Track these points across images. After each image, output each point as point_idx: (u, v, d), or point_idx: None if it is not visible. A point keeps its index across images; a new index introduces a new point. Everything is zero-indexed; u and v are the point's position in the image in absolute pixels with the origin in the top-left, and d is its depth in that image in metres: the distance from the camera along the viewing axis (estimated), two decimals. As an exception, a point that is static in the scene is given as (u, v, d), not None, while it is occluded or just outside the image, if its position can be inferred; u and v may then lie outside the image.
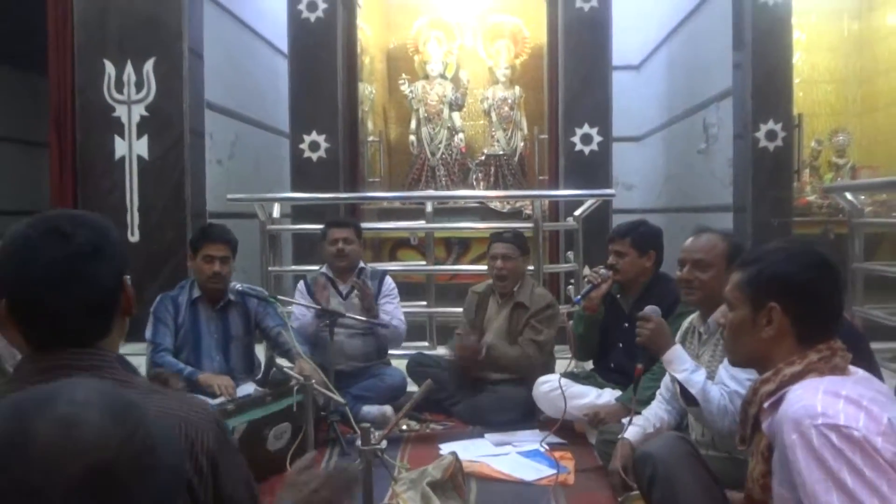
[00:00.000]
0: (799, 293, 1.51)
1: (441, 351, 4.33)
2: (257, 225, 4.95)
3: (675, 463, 1.61)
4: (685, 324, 2.71)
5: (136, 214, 5.83)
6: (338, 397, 2.85)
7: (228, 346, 3.46)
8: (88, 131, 5.82)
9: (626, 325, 3.38)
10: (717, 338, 2.53)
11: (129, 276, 1.31)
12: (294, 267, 5.22)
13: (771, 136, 5.21)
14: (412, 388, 3.83)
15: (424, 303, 4.85)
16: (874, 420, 1.28)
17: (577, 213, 4.83)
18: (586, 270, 4.74)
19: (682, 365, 2.48)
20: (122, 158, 5.82)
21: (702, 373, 2.45)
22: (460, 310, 4.16)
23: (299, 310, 3.83)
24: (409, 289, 5.02)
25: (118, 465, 0.74)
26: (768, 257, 1.58)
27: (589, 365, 3.77)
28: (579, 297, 3.43)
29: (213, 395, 3.07)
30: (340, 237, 3.84)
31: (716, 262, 2.50)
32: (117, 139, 5.81)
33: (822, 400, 1.32)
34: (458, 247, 6.80)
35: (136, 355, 5.19)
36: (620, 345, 3.43)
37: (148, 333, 3.38)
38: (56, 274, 1.18)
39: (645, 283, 3.37)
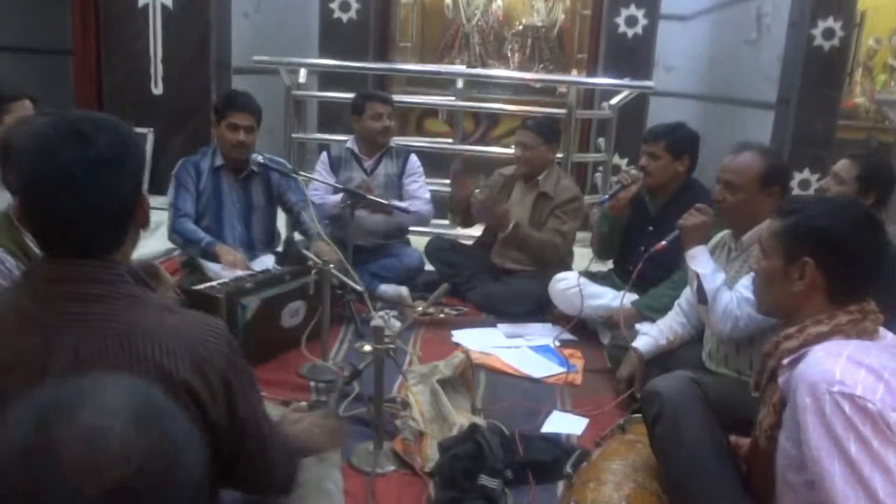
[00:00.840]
0: (836, 249, 1.44)
1: (461, 231, 4.29)
2: (282, 85, 4.82)
3: (682, 404, 1.61)
4: (717, 237, 2.67)
5: (160, 66, 5.70)
6: (354, 284, 2.86)
7: (250, 216, 3.45)
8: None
9: (651, 228, 3.32)
10: (745, 256, 2.50)
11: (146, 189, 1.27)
12: (318, 135, 5.10)
13: (828, 34, 4.90)
14: (429, 268, 3.86)
15: (448, 181, 4.78)
16: (893, 394, 1.25)
17: (612, 101, 4.65)
18: (623, 166, 4.67)
19: (705, 262, 2.54)
20: (146, 6, 5.62)
21: (721, 276, 2.49)
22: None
23: (321, 181, 3.79)
24: (435, 161, 4.95)
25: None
26: (810, 209, 1.50)
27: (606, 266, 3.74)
28: (606, 196, 3.36)
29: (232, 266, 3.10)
30: (385, 112, 3.73)
31: (747, 184, 2.42)
32: (141, -15, 5.58)
33: (843, 367, 1.28)
34: (488, 120, 6.65)
35: (158, 209, 5.26)
36: (642, 248, 3.38)
37: (170, 197, 3.36)
38: (72, 178, 1.14)
39: (675, 188, 3.28)
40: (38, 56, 7.94)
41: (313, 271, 2.84)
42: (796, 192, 5.40)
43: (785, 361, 1.43)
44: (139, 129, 5.80)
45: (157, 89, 5.76)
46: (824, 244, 1.45)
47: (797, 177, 5.42)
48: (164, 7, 5.59)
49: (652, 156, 3.25)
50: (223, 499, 1.45)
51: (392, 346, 2.15)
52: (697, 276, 2.47)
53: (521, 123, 3.83)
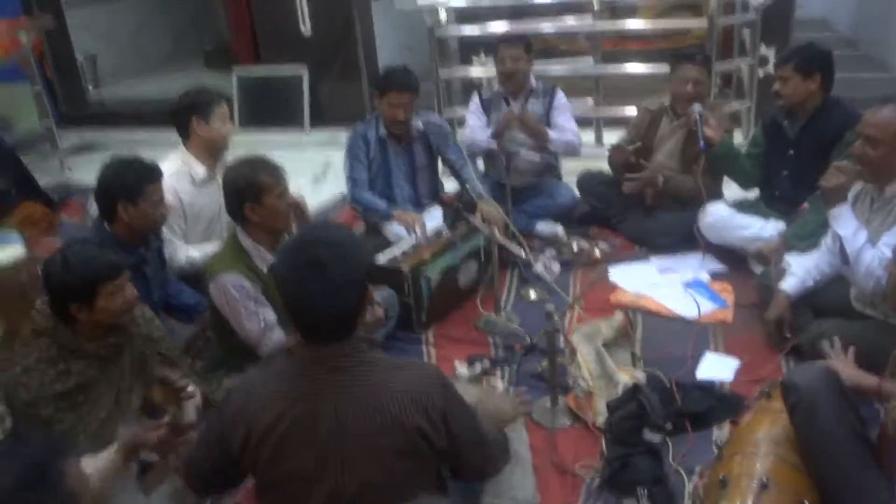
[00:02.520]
0: None
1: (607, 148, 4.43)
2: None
3: (817, 395, 1.87)
4: (859, 185, 2.75)
5: (306, 7, 6.00)
6: (518, 250, 3.21)
7: (416, 177, 3.83)
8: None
9: (792, 152, 3.40)
10: (889, 208, 2.59)
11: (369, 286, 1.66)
12: (463, 71, 5.32)
13: None
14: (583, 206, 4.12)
15: (591, 99, 4.91)
16: None
17: (755, 2, 4.51)
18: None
19: (846, 223, 2.64)
20: (285, -51, 5.87)
21: (863, 235, 2.60)
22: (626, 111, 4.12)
23: (474, 122, 4.08)
24: (575, 84, 5.06)
25: None
26: None
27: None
28: (703, 144, 3.46)
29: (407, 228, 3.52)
30: (508, 55, 3.90)
31: (888, 140, 2.48)
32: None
33: None
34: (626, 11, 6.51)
35: (326, 148, 5.72)
36: (785, 172, 3.46)
37: (346, 170, 3.78)
38: (314, 301, 1.57)
39: (812, 109, 3.31)
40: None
41: (481, 239, 3.21)
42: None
43: None
44: (294, 68, 6.25)
45: (306, 28, 6.11)
46: None
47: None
48: (301, -53, 5.83)
49: (783, 79, 3.29)
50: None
51: (558, 329, 2.49)
52: (840, 237, 2.60)
53: (677, 60, 3.73)
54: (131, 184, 2.61)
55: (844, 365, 2.09)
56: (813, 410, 1.89)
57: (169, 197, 3.05)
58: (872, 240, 2.58)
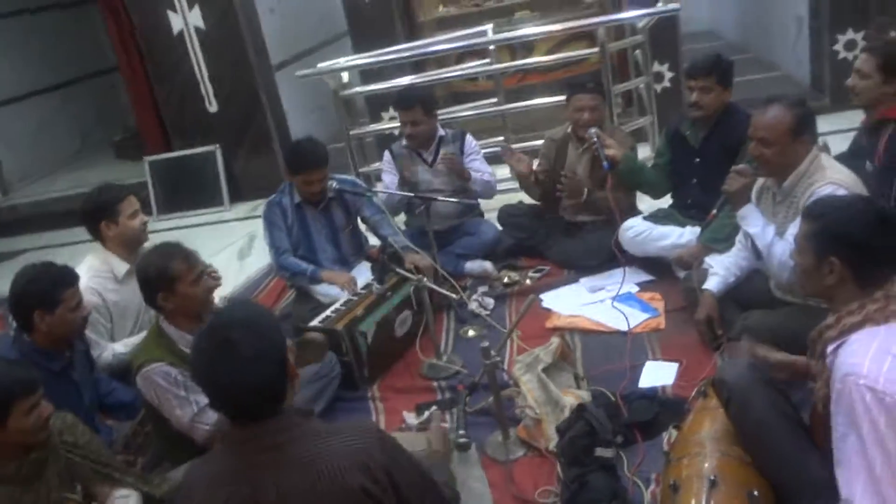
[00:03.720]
0: (857, 249, 1.74)
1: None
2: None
3: (746, 389, 1.96)
4: (760, 182, 2.89)
5: (209, 85, 6.04)
6: (449, 293, 3.25)
7: (337, 237, 3.85)
8: (143, 9, 5.92)
9: (698, 160, 3.54)
10: (790, 200, 2.72)
11: (289, 351, 1.66)
12: (373, 127, 5.39)
13: None
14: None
15: (501, 138, 5.02)
16: None
17: (640, 24, 4.73)
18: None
19: (754, 221, 2.78)
20: (182, 32, 5.92)
21: (770, 230, 2.74)
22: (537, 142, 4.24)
23: (388, 179, 4.14)
24: (484, 123, 5.19)
25: None
26: (832, 214, 1.79)
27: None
28: (607, 164, 3.58)
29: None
30: (407, 120, 3.98)
31: (779, 139, 2.62)
32: (171, 14, 5.87)
33: (871, 359, 1.61)
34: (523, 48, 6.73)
35: (246, 219, 5.70)
36: (694, 180, 3.60)
37: (267, 239, 3.78)
38: (227, 379, 1.56)
39: (715, 117, 3.45)
40: (85, 84, 8.41)
41: (412, 287, 3.23)
42: (843, 55, 5.41)
43: (829, 350, 1.75)
44: (206, 147, 6.23)
45: (212, 107, 6.14)
46: (846, 246, 1.75)
47: (840, 39, 5.40)
48: (198, 30, 5.89)
49: (704, 90, 3.38)
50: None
51: (498, 360, 2.52)
52: (750, 236, 2.73)
53: (571, 91, 3.88)
54: (47, 292, 2.55)
55: (769, 352, 2.18)
56: (746, 403, 1.96)
57: (92, 298, 3.03)
58: (780, 231, 2.71)
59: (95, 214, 3.15)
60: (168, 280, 2.49)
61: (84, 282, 2.99)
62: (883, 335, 1.66)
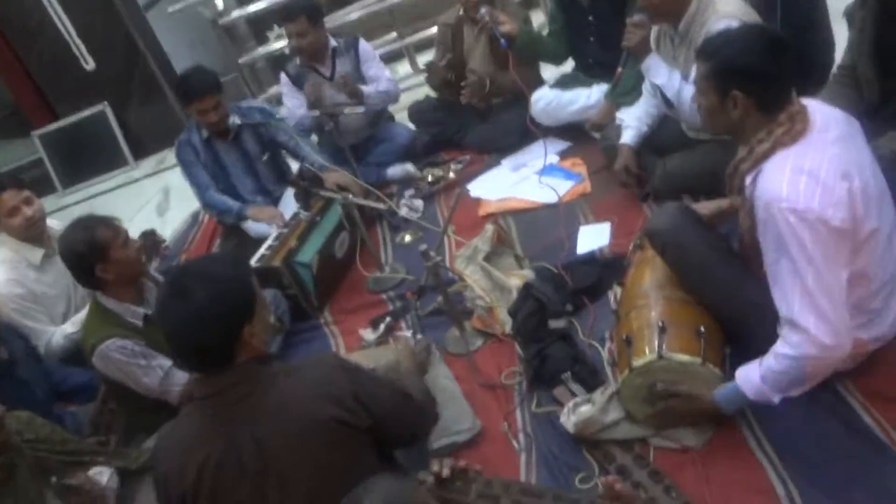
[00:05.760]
0: (757, 78, 1.77)
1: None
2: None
3: (679, 232, 2.02)
4: (657, 29, 2.89)
5: (80, 42, 5.65)
6: (377, 204, 3.22)
7: (254, 167, 3.72)
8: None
9: (591, 17, 3.52)
10: (688, 41, 2.74)
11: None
12: (261, 50, 5.16)
13: None
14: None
15: (394, 32, 4.89)
16: (828, 192, 1.64)
17: None
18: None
19: (659, 71, 2.80)
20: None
21: (676, 76, 2.76)
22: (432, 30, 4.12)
23: (291, 102, 4.01)
24: (375, 21, 5.02)
25: None
26: (724, 50, 1.80)
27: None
28: (504, 42, 3.52)
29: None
30: (294, 32, 3.82)
31: None
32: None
33: (788, 181, 1.67)
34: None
35: (158, 173, 5.50)
36: (592, 38, 3.58)
37: (187, 179, 3.65)
38: (182, 329, 1.56)
39: None
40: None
41: (339, 205, 3.20)
42: None
43: (747, 182, 1.81)
44: (93, 109, 5.89)
45: (89, 65, 5.76)
46: (746, 78, 1.78)
47: None
48: (51, -12, 5.44)
49: None
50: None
51: (439, 259, 2.54)
52: (658, 87, 2.74)
53: None
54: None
55: (700, 206, 2.24)
56: (680, 246, 2.04)
57: (15, 289, 2.94)
58: (685, 75, 2.73)
59: None
60: (100, 249, 2.39)
61: (1, 276, 2.89)
62: (793, 156, 1.72)
